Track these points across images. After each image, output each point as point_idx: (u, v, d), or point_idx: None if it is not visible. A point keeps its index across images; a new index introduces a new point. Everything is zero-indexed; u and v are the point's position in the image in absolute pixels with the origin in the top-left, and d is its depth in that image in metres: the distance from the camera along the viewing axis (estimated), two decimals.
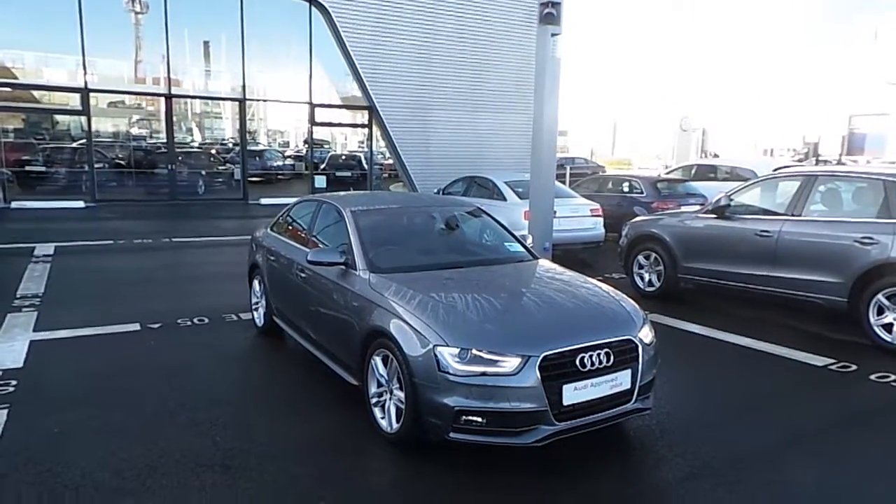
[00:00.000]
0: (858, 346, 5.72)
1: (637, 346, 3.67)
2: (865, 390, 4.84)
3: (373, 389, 3.89)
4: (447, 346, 3.39)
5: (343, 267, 4.37)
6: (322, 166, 20.67)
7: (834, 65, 33.20)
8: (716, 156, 28.92)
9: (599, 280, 4.59)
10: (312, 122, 18.80)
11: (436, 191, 12.16)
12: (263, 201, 17.30)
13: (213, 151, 21.03)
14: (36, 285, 7.68)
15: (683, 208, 9.08)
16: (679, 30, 40.98)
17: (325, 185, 18.62)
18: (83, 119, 16.50)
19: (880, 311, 5.64)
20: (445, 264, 4.50)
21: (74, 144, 17.58)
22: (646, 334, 3.81)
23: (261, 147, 22.94)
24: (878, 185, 5.91)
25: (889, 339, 5.56)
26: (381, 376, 3.81)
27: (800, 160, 27.97)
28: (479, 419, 3.34)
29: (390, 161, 20.31)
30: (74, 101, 16.38)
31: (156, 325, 6.13)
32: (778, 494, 3.35)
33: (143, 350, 5.54)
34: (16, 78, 16.70)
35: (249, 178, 18.52)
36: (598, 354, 3.48)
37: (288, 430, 4.04)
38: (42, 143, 17.53)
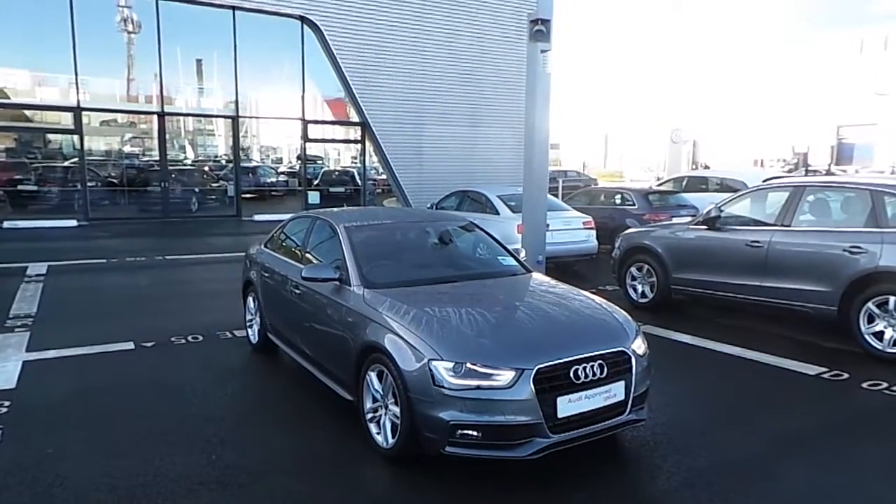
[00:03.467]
0: (850, 354, 5.76)
1: (630, 358, 3.69)
2: (858, 398, 4.88)
3: (368, 405, 3.90)
4: (442, 360, 3.40)
5: (337, 283, 4.39)
6: (315, 182, 20.72)
7: (822, 76, 33.60)
8: (706, 167, 29.15)
9: (592, 292, 4.62)
10: (305, 139, 18.90)
11: (429, 205, 12.21)
12: (257, 218, 17.32)
13: (206, 168, 21.05)
14: (28, 305, 7.65)
15: (675, 220, 9.16)
16: (669, 43, 41.47)
17: (318, 201, 18.67)
18: (76, 138, 16.53)
19: (871, 320, 5.68)
20: (439, 279, 4.52)
21: (67, 163, 17.57)
22: (639, 345, 3.83)
23: (254, 164, 22.99)
24: (866, 195, 5.99)
25: (880, 347, 5.61)
26: (377, 391, 3.82)
27: (789, 170, 28.23)
28: (475, 433, 3.35)
29: (383, 176, 20.39)
30: (67, 119, 16.42)
31: (150, 344, 6.12)
32: (773, 503, 3.37)
33: (138, 368, 5.53)
34: (8, 97, 16.73)
35: (243, 195, 18.55)
36: (592, 366, 3.50)
37: (284, 447, 4.03)
38: (34, 163, 17.52)
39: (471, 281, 4.62)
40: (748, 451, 3.93)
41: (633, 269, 7.89)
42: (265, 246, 6.02)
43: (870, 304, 5.66)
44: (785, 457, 3.89)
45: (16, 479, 3.55)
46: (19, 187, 16.59)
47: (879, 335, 5.63)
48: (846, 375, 5.26)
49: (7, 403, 4.60)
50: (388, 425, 3.73)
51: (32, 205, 16.57)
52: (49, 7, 15.50)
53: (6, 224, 15.05)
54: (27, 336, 6.33)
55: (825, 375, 5.29)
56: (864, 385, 5.04)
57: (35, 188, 16.89)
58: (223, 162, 21.57)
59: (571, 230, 9.93)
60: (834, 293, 5.88)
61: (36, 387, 5.00)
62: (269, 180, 22.62)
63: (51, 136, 18.58)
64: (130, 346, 6.06)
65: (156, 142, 17.78)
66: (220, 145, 22.93)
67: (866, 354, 5.67)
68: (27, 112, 17.56)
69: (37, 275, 9.52)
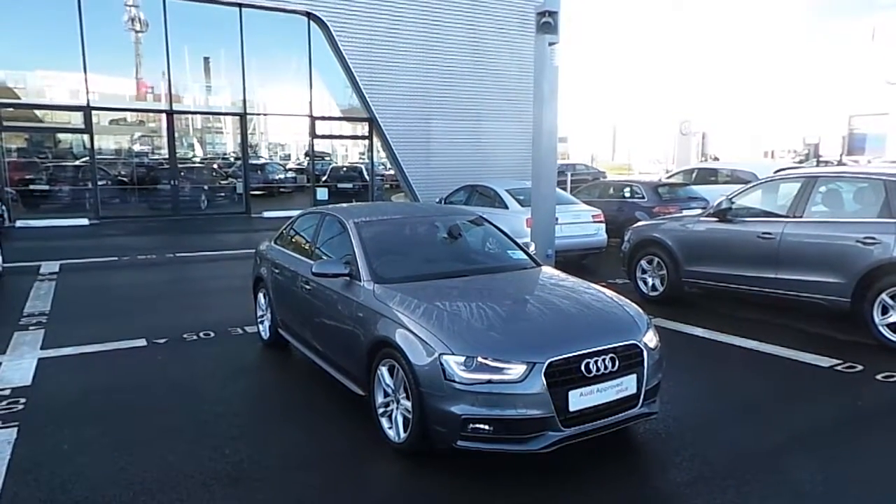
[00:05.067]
0: (864, 346, 5.71)
1: (642, 351, 3.68)
2: (872, 390, 4.84)
3: (379, 399, 3.91)
4: (453, 354, 3.41)
5: (347, 278, 4.39)
6: (324, 178, 20.76)
7: (832, 65, 33.26)
8: (715, 159, 28.93)
9: (603, 286, 4.60)
10: (313, 135, 18.91)
11: (437, 200, 12.21)
12: (266, 214, 17.38)
13: (215, 166, 21.13)
14: (42, 303, 7.72)
15: (685, 212, 9.10)
16: (677, 34, 41.15)
17: (326, 197, 18.70)
18: (86, 137, 16.64)
19: (885, 311, 5.63)
20: (449, 273, 4.52)
21: (77, 162, 17.70)
22: (650, 339, 3.82)
23: (262, 161, 23.05)
24: (879, 185, 5.92)
25: (894, 339, 5.56)
26: (388, 386, 3.83)
27: (800, 161, 27.98)
28: (486, 427, 3.36)
29: (391, 172, 20.39)
30: (77, 119, 16.52)
31: (162, 340, 6.16)
32: (787, 496, 3.35)
33: (150, 365, 5.57)
34: (19, 98, 16.84)
35: (252, 192, 18.61)
36: (604, 360, 3.49)
37: (296, 442, 4.05)
38: (45, 162, 17.64)
39: (481, 275, 4.62)
40: (762, 444, 3.91)
41: (643, 263, 7.85)
42: (275, 242, 6.04)
43: (884, 296, 5.61)
44: (799, 450, 3.87)
45: (33, 475, 3.59)
46: (31, 187, 16.72)
47: (893, 326, 5.58)
48: (860, 367, 5.21)
49: (23, 400, 4.65)
50: (400, 420, 3.75)
51: (44, 204, 16.70)
52: (57, 8, 15.58)
53: (19, 223, 15.18)
54: (42, 334, 6.40)
55: (839, 367, 5.25)
56: (879, 377, 5.00)
57: (46, 187, 17.03)
58: (232, 159, 21.65)
59: (581, 223, 9.89)
60: (847, 284, 5.83)
61: (51, 384, 5.06)
62: (277, 177, 22.69)
63: (61, 136, 18.70)
64: (143, 342, 6.10)
65: (165, 140, 17.86)
66: (229, 143, 23.02)
67: (880, 346, 5.62)
68: (37, 112, 17.67)
69: (50, 273, 9.61)
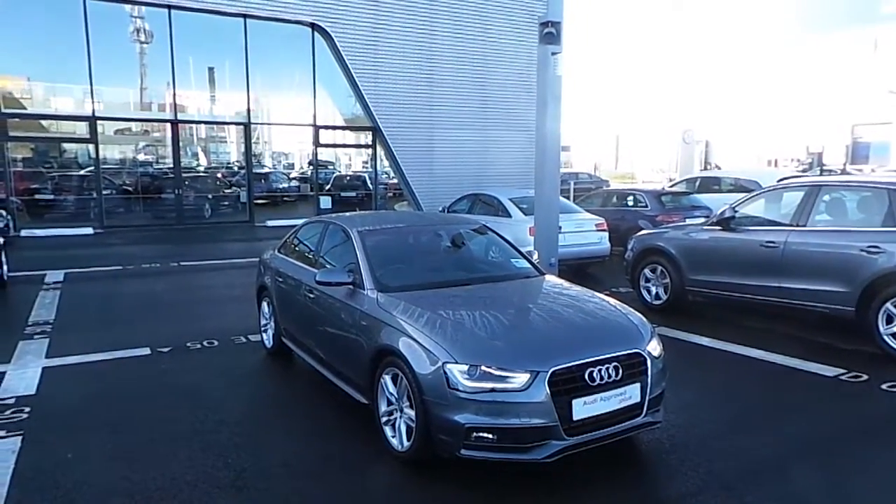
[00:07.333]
0: (869, 355, 5.69)
1: (646, 360, 3.67)
2: (877, 400, 4.81)
3: (383, 408, 3.90)
4: (456, 362, 3.40)
5: (351, 286, 4.40)
6: (327, 187, 20.82)
7: (836, 74, 33.32)
8: (717, 167, 28.92)
9: (606, 294, 4.60)
10: (317, 144, 19.00)
11: (441, 209, 12.23)
12: (269, 223, 17.42)
13: (219, 175, 21.23)
14: (47, 312, 7.74)
15: (688, 221, 9.10)
16: (680, 43, 41.28)
17: (330, 206, 18.75)
18: (91, 147, 16.73)
19: (889, 320, 5.61)
20: (452, 282, 4.52)
21: (82, 172, 17.80)
22: (654, 347, 3.81)
23: (266, 170, 23.14)
24: (883, 194, 5.92)
25: None
26: (391, 395, 3.83)
27: (804, 170, 27.93)
28: (490, 435, 3.35)
29: (395, 181, 20.44)
30: (82, 129, 16.62)
31: (166, 349, 6.17)
32: None
33: (154, 374, 5.58)
34: (25, 108, 16.96)
35: (255, 201, 18.66)
36: (607, 368, 3.48)
37: (299, 450, 4.05)
38: (50, 172, 17.75)
39: (484, 284, 4.62)
40: (766, 454, 3.89)
41: (646, 271, 7.84)
42: (279, 251, 6.06)
43: (888, 305, 5.59)
44: (804, 460, 3.85)
45: (36, 483, 3.60)
46: (36, 196, 16.80)
47: None
48: (865, 377, 5.19)
49: (27, 409, 4.66)
50: (403, 428, 3.74)
51: (49, 213, 16.77)
52: (64, 19, 15.72)
53: (24, 232, 15.24)
54: (46, 343, 6.41)
55: (844, 377, 5.23)
56: (884, 386, 4.97)
57: (52, 197, 17.11)
58: (236, 168, 21.74)
59: (584, 232, 9.89)
60: (851, 293, 5.81)
61: (55, 392, 5.06)
62: (281, 186, 22.76)
63: (66, 146, 18.82)
64: (147, 351, 6.11)
65: (169, 149, 17.96)
66: (233, 152, 23.13)
67: (885, 355, 5.60)
68: (43, 122, 17.79)
69: (55, 282, 9.64)
